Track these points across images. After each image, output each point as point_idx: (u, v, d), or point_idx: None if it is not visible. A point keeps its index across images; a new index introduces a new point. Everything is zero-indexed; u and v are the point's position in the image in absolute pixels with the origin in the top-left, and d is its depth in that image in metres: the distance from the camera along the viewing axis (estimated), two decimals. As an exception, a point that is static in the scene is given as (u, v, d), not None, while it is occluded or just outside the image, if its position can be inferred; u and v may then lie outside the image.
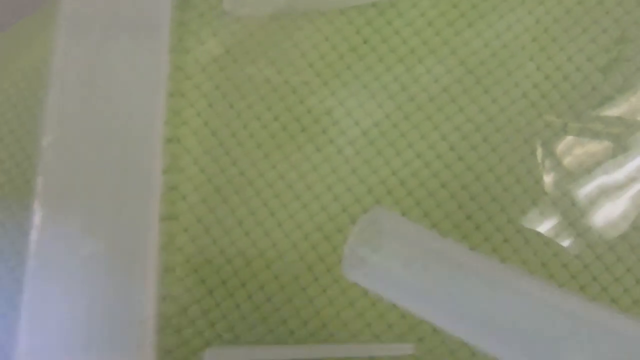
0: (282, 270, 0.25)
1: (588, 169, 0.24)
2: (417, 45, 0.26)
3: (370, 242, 0.16)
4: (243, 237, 0.25)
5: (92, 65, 0.25)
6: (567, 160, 0.25)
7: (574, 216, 0.24)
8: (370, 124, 0.26)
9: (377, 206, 0.18)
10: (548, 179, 0.25)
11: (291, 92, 0.26)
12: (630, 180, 0.24)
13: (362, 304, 0.24)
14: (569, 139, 0.25)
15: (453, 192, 0.25)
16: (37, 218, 0.24)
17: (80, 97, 0.25)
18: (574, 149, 0.25)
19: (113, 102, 0.26)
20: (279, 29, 0.27)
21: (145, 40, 0.27)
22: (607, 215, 0.24)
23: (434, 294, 0.16)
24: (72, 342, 0.23)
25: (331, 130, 0.26)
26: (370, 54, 0.26)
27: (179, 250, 0.25)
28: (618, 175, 0.24)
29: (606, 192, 0.24)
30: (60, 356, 0.23)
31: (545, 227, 0.24)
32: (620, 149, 0.24)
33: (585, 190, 0.24)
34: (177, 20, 0.27)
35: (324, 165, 0.25)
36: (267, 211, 0.25)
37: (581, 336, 0.16)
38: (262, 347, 0.22)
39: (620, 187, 0.24)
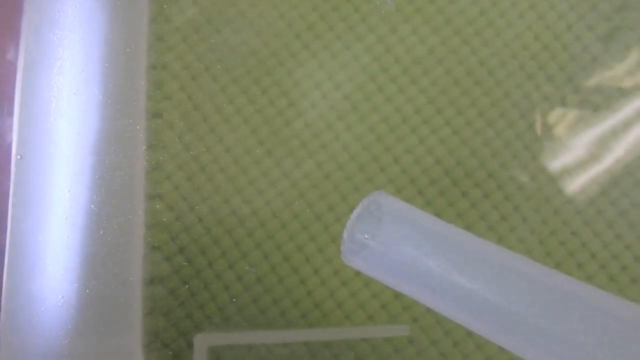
0: (272, 250, 0.24)
1: (588, 144, 0.24)
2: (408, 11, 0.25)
3: (369, 227, 0.16)
4: (230, 216, 0.24)
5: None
6: (565, 135, 0.24)
7: (572, 193, 0.24)
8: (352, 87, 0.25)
9: (376, 191, 0.17)
10: (546, 154, 0.24)
11: (278, 64, 0.25)
12: (628, 153, 0.24)
13: (356, 284, 0.23)
14: (568, 112, 0.24)
15: (448, 169, 0.24)
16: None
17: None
18: (573, 123, 0.24)
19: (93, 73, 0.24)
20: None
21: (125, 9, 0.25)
22: (607, 192, 0.24)
23: (434, 278, 0.16)
24: (66, 323, 0.23)
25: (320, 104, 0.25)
26: (354, 14, 0.25)
27: (164, 229, 0.24)
28: (619, 149, 0.24)
29: (608, 169, 0.24)
30: (54, 337, 0.22)
31: (542, 204, 0.24)
32: (621, 123, 0.24)
33: (585, 167, 0.24)
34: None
35: (313, 141, 0.24)
36: (254, 189, 0.24)
37: (576, 315, 0.16)
38: (253, 332, 0.22)
39: (621, 162, 0.24)
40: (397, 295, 0.23)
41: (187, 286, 0.24)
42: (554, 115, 0.24)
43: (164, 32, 0.25)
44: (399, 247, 0.15)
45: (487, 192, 0.24)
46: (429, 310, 0.23)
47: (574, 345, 0.14)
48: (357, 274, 0.24)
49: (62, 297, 0.23)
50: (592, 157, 0.24)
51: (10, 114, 0.22)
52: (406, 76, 0.25)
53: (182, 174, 0.24)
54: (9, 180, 0.22)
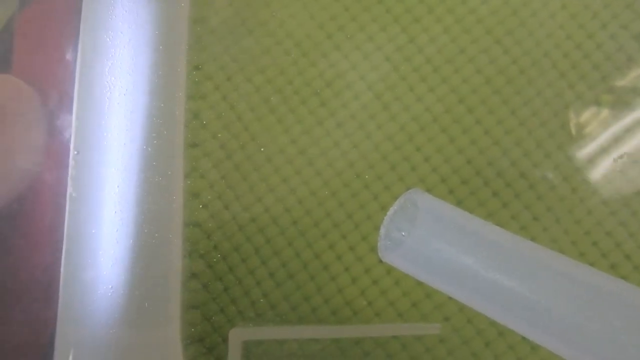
0: (304, 247, 0.24)
1: (622, 144, 0.24)
2: (441, 12, 0.25)
3: (406, 224, 0.16)
4: (263, 213, 0.25)
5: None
6: (599, 135, 0.24)
7: (606, 193, 0.23)
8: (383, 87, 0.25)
9: (412, 189, 0.17)
10: (579, 153, 0.24)
11: (310, 64, 0.25)
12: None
13: (386, 282, 0.24)
14: (602, 111, 0.24)
15: (479, 169, 0.24)
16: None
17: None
18: (607, 123, 0.24)
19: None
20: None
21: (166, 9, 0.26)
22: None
23: (470, 275, 0.16)
24: (113, 313, 0.23)
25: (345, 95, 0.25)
26: (385, 14, 0.25)
27: (199, 227, 0.25)
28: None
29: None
30: (104, 326, 0.23)
31: (576, 204, 0.23)
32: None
33: (620, 167, 0.24)
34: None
35: (345, 140, 0.25)
36: (287, 188, 0.25)
37: (616, 314, 0.16)
38: (286, 327, 0.22)
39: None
40: (429, 294, 0.23)
41: (221, 282, 0.24)
42: (587, 115, 0.24)
43: (200, 34, 0.26)
44: (435, 244, 0.16)
45: (519, 191, 0.24)
46: (460, 310, 0.23)
47: (613, 344, 0.14)
48: (388, 272, 0.24)
49: (112, 287, 0.23)
50: (627, 157, 0.24)
51: (70, 111, 0.23)
52: (437, 75, 0.25)
53: (217, 172, 0.25)
54: (67, 174, 0.23)
